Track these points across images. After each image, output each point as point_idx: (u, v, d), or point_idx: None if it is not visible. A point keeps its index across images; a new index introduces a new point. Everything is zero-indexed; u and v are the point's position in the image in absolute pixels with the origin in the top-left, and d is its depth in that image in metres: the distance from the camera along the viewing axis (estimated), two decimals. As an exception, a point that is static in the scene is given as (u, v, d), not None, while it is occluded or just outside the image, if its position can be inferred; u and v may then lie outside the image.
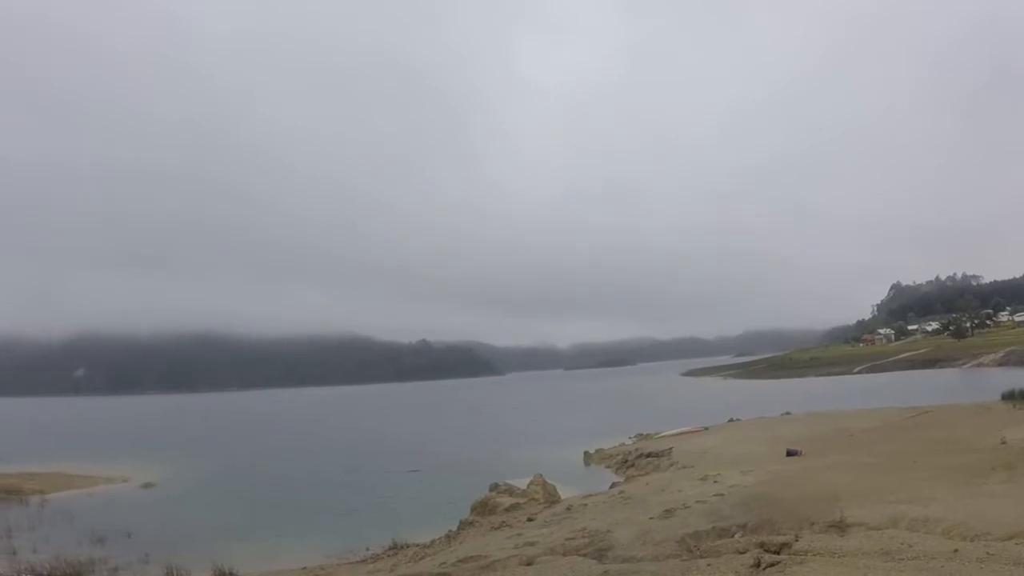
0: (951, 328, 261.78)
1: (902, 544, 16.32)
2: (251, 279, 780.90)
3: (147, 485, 62.82)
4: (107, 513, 49.48)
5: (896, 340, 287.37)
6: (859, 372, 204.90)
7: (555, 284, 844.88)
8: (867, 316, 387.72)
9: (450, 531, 33.05)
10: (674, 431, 68.16)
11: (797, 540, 17.50)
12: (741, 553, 17.04)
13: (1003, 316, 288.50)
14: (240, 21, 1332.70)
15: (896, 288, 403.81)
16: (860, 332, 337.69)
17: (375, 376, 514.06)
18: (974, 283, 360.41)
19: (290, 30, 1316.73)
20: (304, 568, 28.02)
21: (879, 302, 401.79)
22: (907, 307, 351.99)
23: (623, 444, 67.29)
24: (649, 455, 55.20)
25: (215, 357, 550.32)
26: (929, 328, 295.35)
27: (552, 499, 38.26)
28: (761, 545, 17.49)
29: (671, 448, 54.75)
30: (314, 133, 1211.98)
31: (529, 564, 20.07)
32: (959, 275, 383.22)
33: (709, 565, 16.15)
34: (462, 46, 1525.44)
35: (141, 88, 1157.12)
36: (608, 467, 57.80)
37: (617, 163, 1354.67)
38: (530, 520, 30.22)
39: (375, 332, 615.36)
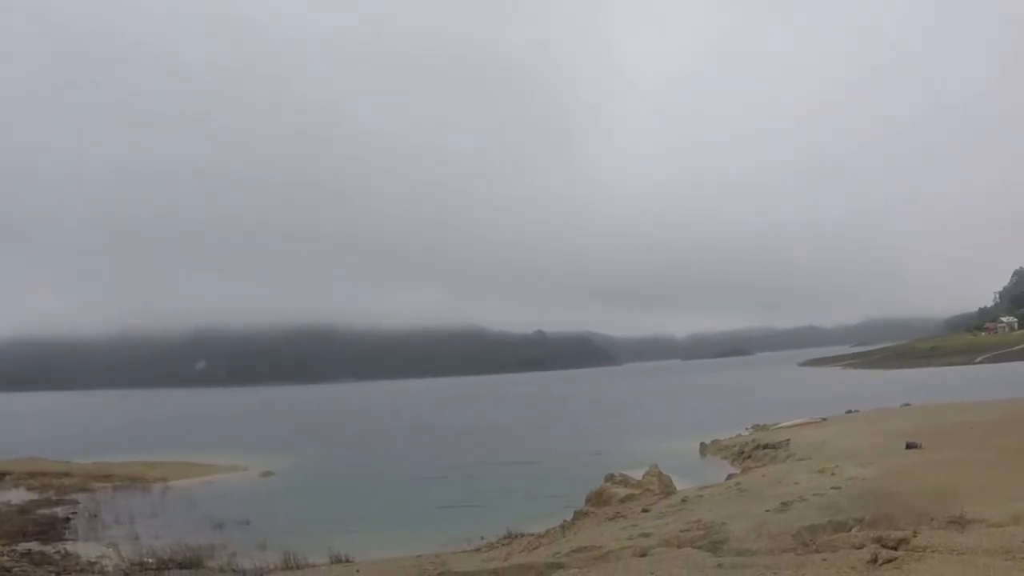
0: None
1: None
2: (362, 277, 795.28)
3: (266, 474, 64.32)
4: (227, 501, 50.85)
5: (1019, 329, 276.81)
6: (981, 362, 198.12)
7: (668, 275, 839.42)
8: (989, 304, 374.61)
9: (565, 521, 33.07)
10: (791, 422, 66.98)
11: (915, 536, 16.98)
12: (858, 548, 16.65)
13: None
14: (321, 28, 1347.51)
15: (1019, 274, 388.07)
16: (982, 320, 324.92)
17: (490, 367, 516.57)
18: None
19: (374, 33, 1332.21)
20: (419, 556, 28.28)
21: (1001, 289, 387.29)
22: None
23: (739, 435, 66.42)
24: (766, 446, 54.38)
25: (331, 350, 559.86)
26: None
27: (667, 490, 37.98)
28: (878, 540, 17.04)
29: (788, 440, 53.84)
30: (409, 135, 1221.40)
31: (643, 555, 19.91)
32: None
33: (825, 560, 15.81)
34: (555, 38, 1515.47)
35: (242, 101, 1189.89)
36: (724, 458, 57.15)
37: (708, 154, 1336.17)
38: (645, 511, 30.05)
39: (490, 324, 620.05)
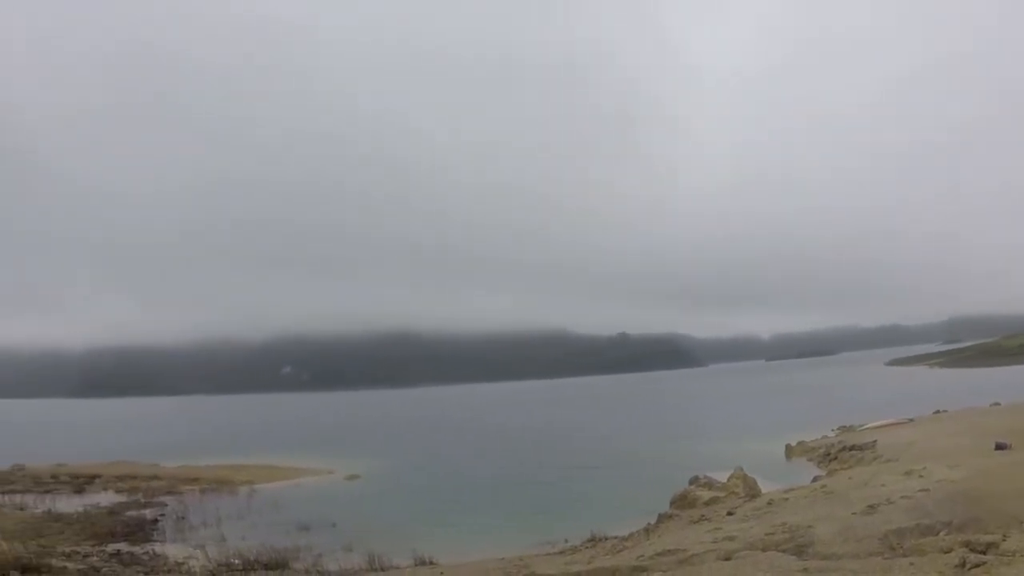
0: None
1: (1119, 548, 15.29)
2: (444, 282, 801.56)
3: (351, 477, 65.03)
4: (312, 503, 51.54)
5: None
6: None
7: (751, 275, 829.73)
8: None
9: (649, 524, 32.90)
10: (878, 423, 65.88)
11: (1005, 540, 16.60)
12: (945, 552, 16.33)
13: None
14: (385, 36, 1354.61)
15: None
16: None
17: (574, 370, 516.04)
18: None
19: (440, 41, 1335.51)
20: (502, 559, 28.37)
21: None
22: None
23: (825, 437, 65.51)
24: (852, 448, 53.50)
25: (415, 354, 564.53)
26: None
27: (752, 493, 37.59)
28: (967, 544, 16.71)
29: (875, 441, 52.97)
30: (481, 137, 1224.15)
31: (727, 559, 19.75)
32: None
33: (912, 564, 15.52)
34: (617, 36, 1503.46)
35: (314, 112, 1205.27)
36: (810, 460, 56.39)
37: (781, 146, 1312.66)
38: (730, 514, 29.77)
39: (573, 326, 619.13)
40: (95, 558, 33.49)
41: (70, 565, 30.07)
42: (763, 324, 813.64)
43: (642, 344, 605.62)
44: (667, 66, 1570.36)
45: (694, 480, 40.60)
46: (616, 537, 31.08)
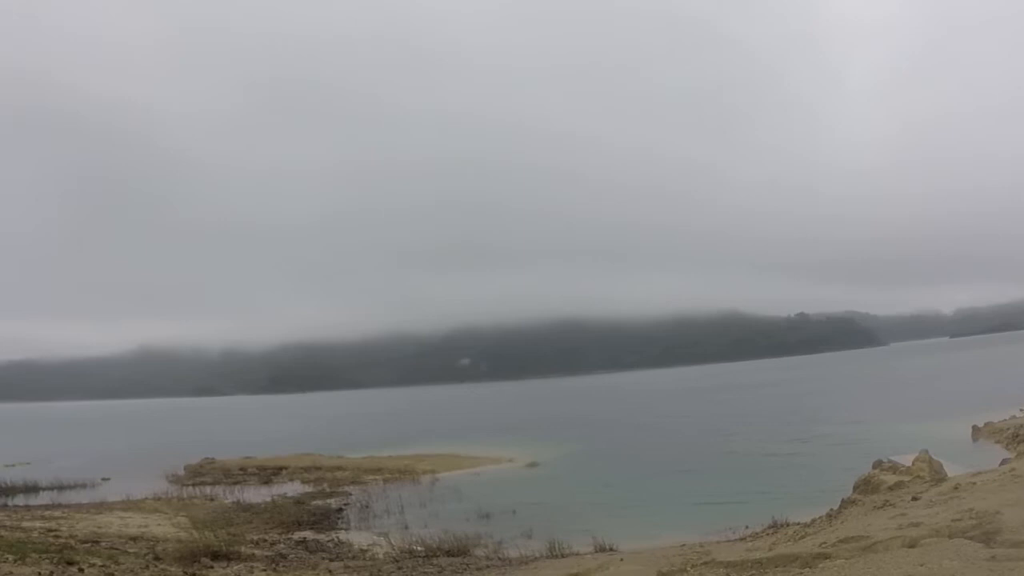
0: None
1: None
2: (616, 266, 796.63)
3: (531, 465, 65.55)
4: (493, 491, 52.11)
5: None
6: None
7: (932, 247, 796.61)
8: None
9: (831, 510, 31.92)
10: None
11: None
12: None
13: None
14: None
15: None
16: None
17: (751, 353, 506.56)
18: None
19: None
20: (683, 545, 28.00)
21: None
22: None
23: (1014, 417, 62.29)
24: (1044, 429, 50.77)
25: (590, 341, 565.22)
26: None
27: (938, 477, 36.06)
28: None
29: (1071, 421, 50.11)
30: (625, 112, 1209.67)
31: (912, 546, 18.95)
32: None
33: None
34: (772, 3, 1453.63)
35: (464, 93, 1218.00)
36: (998, 442, 53.64)
37: (942, 120, 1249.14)
38: (914, 499, 28.60)
39: (749, 308, 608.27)
40: (282, 545, 34.77)
41: (258, 552, 31.25)
42: (946, 298, 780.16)
43: (821, 324, 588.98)
44: (823, 17, 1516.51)
45: (877, 464, 39.18)
46: (798, 523, 30.29)
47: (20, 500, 58.31)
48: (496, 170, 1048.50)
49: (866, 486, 35.42)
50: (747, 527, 32.63)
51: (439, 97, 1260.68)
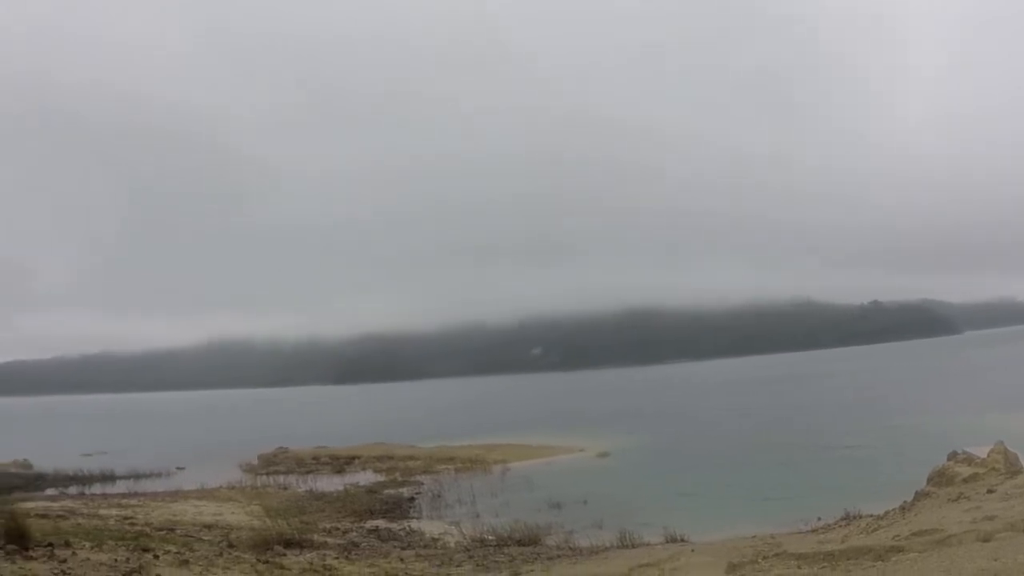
0: None
1: None
2: (685, 254, 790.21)
3: (602, 455, 65.67)
4: (564, 481, 52.33)
5: None
6: None
7: (1007, 230, 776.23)
8: None
9: (905, 502, 31.52)
10: None
11: None
12: None
13: None
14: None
15: None
16: None
17: (824, 342, 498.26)
18: None
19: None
20: (754, 536, 27.84)
21: None
22: None
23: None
24: None
25: (661, 331, 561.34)
26: None
27: (1014, 469, 35.39)
28: None
29: None
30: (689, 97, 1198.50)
31: (986, 540, 18.69)
32: None
33: None
34: None
35: (527, 86, 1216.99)
36: (1076, 434, 52.60)
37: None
38: (990, 492, 28.13)
39: (820, 295, 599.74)
40: (354, 534, 35.30)
41: (330, 540, 31.73)
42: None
43: (894, 312, 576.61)
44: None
45: (952, 456, 38.53)
46: (871, 515, 29.94)
47: (97, 488, 59.85)
48: (566, 161, 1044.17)
49: (940, 478, 34.93)
50: (819, 519, 32.37)
51: (502, 91, 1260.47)
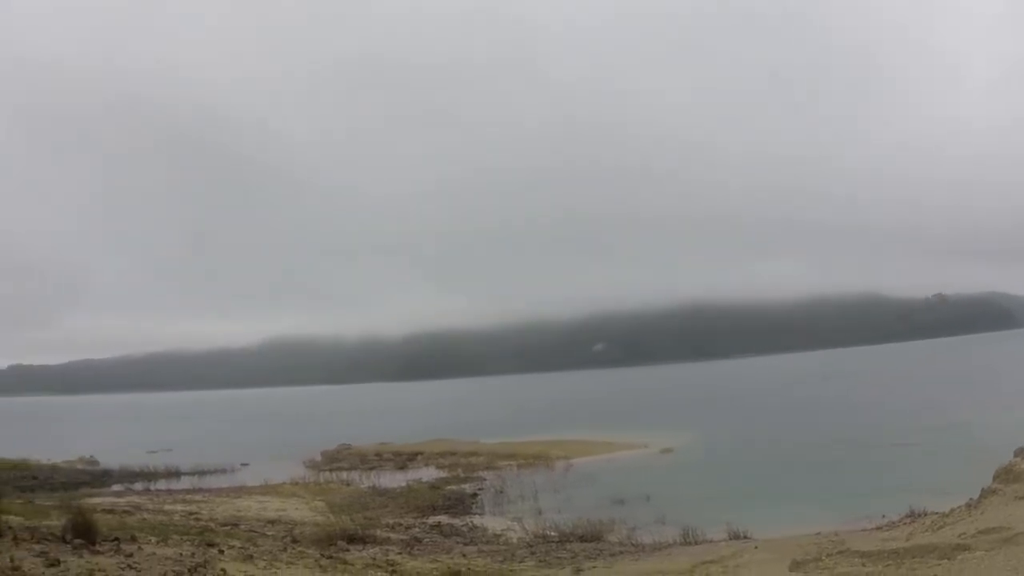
0: None
1: None
2: (747, 249, 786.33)
3: (665, 451, 65.48)
4: (627, 477, 52.28)
5: None
6: None
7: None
8: None
9: (971, 500, 31.11)
10: None
11: None
12: None
13: None
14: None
15: None
16: None
17: (888, 336, 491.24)
18: None
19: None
20: (817, 534, 27.67)
21: None
22: None
23: None
24: None
25: (723, 326, 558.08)
26: None
27: (1082, 466, 34.90)
28: None
29: None
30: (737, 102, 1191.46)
31: (1054, 539, 18.50)
32: None
33: None
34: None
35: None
36: None
37: None
38: (1058, 489, 27.78)
39: (886, 289, 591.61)
40: (417, 529, 35.65)
41: (393, 535, 32.07)
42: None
43: (959, 306, 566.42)
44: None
45: (1019, 452, 37.93)
46: (936, 513, 29.57)
47: (162, 485, 60.80)
48: (630, 169, 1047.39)
49: (1007, 475, 34.42)
50: (883, 516, 32.03)
51: (558, 103, 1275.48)
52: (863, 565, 19.94)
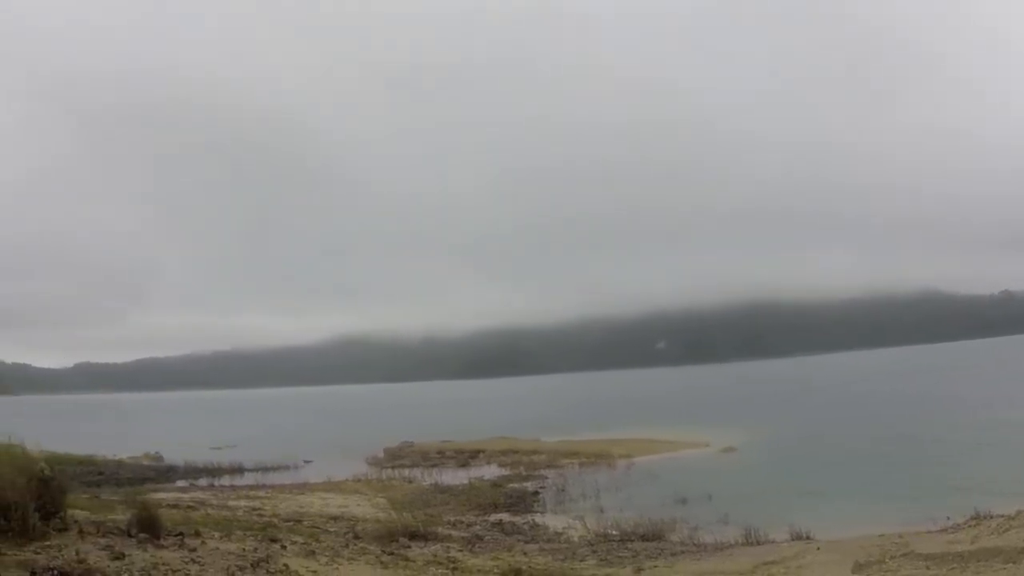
0: None
1: None
2: (806, 247, 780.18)
3: (727, 449, 65.10)
4: (689, 476, 51.99)
5: None
6: None
7: None
8: None
9: (1039, 502, 30.74)
10: None
11: None
12: None
13: None
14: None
15: None
16: None
17: (951, 334, 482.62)
18: None
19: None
20: (881, 535, 27.42)
21: None
22: None
23: None
24: None
25: (784, 324, 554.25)
26: None
27: None
28: None
29: None
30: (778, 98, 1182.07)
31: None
32: None
33: None
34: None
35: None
36: None
37: None
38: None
39: (949, 286, 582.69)
40: (478, 527, 35.90)
41: (455, 533, 32.35)
42: None
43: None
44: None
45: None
46: (1002, 515, 29.15)
47: (226, 480, 61.74)
48: (692, 166, 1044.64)
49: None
50: (948, 518, 31.59)
51: (623, 104, 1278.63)
52: (927, 568, 19.81)
